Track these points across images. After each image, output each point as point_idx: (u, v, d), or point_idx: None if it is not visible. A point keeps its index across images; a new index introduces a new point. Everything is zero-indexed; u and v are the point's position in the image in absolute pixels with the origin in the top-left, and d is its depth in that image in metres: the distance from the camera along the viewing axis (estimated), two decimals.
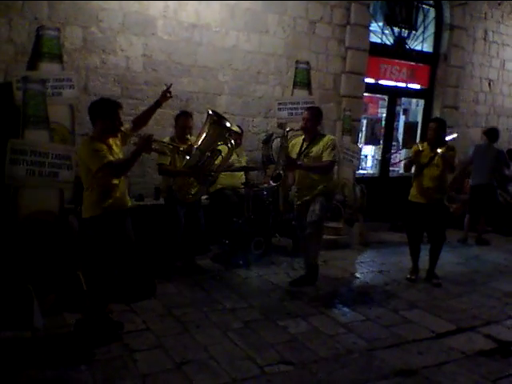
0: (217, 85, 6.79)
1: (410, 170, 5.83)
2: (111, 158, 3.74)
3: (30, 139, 4.52)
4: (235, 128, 5.24)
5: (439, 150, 5.34)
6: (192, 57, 6.54)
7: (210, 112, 4.92)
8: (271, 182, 5.13)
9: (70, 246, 4.75)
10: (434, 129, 5.53)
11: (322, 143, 5.04)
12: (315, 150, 5.05)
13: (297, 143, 5.23)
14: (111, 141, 3.85)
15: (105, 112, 3.79)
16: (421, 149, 5.55)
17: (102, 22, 5.88)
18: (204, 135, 4.93)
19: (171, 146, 4.51)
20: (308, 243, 5.21)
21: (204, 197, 6.33)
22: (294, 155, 5.11)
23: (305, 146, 5.12)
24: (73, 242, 4.84)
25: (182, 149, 4.68)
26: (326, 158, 5.00)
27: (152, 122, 6.23)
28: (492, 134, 7.75)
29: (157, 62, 6.30)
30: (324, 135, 5.18)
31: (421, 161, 5.55)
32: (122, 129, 3.90)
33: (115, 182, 3.86)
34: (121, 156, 3.91)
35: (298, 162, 5.02)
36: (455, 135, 6.12)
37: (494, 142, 7.76)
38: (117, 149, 3.89)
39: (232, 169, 6.12)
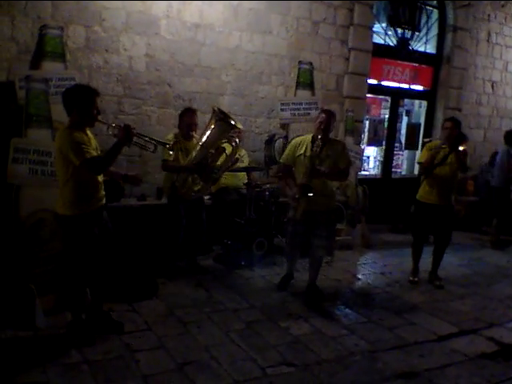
0: (220, 85, 6.78)
1: (429, 170, 5.49)
2: (94, 152, 3.62)
3: (32, 138, 4.51)
4: (240, 125, 5.23)
5: (461, 148, 5.28)
6: (195, 57, 6.52)
7: (216, 109, 4.92)
8: (299, 195, 4.76)
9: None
10: (450, 127, 5.42)
11: (336, 148, 4.88)
12: (330, 154, 4.81)
13: (303, 143, 4.96)
14: (88, 130, 3.72)
15: (82, 101, 3.60)
16: (438, 147, 5.40)
17: (105, 21, 5.87)
18: (209, 132, 4.95)
19: (154, 142, 4.10)
20: (316, 264, 5.15)
21: (206, 197, 6.33)
22: (299, 155, 4.92)
23: (317, 148, 4.78)
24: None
25: (167, 146, 4.54)
26: (343, 164, 4.89)
27: (154, 121, 6.31)
28: (507, 136, 7.81)
29: (160, 61, 6.29)
30: (335, 139, 5.02)
31: (434, 160, 5.43)
32: (99, 118, 3.75)
33: (99, 179, 3.79)
34: (95, 144, 3.77)
35: (322, 169, 4.75)
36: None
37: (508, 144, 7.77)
38: (93, 138, 3.77)
39: (235, 169, 6.12)
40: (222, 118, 4.90)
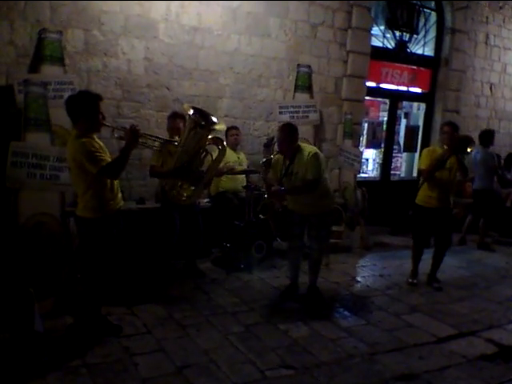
0: (218, 88, 6.79)
1: (432, 176, 5.44)
2: (108, 158, 3.68)
3: (31, 142, 4.52)
4: (219, 126, 5.01)
5: (469, 150, 5.33)
6: (193, 60, 6.53)
7: (191, 111, 4.73)
8: (260, 215, 5.02)
9: (71, 249, 4.74)
10: (449, 132, 5.44)
11: (304, 161, 4.67)
12: (299, 169, 4.69)
13: (279, 160, 4.90)
14: (94, 135, 3.76)
15: (88, 108, 3.64)
16: (444, 155, 5.36)
17: (104, 25, 5.88)
18: (186, 135, 4.82)
19: (160, 140, 4.20)
20: (313, 266, 5.13)
21: (205, 200, 6.34)
22: (277, 174, 4.89)
23: (287, 164, 4.79)
24: (73, 245, 4.84)
25: (176, 143, 4.49)
26: (310, 176, 4.63)
27: (153, 125, 6.31)
28: (482, 137, 7.70)
29: (158, 65, 6.30)
30: (302, 149, 4.75)
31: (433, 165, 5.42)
32: (105, 122, 3.79)
33: (116, 181, 3.85)
34: (104, 148, 3.83)
35: (282, 188, 4.70)
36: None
37: (487, 146, 7.64)
38: (100, 142, 3.81)
39: (233, 172, 6.12)
40: (196, 121, 4.63)
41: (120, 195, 3.97)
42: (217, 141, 4.94)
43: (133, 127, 3.70)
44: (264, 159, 5.00)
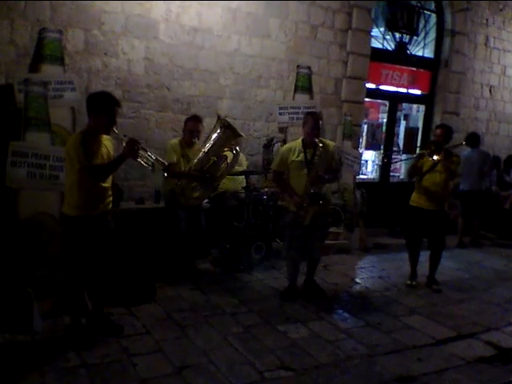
0: (218, 88, 6.79)
1: (414, 176, 5.70)
2: (98, 160, 3.64)
3: (31, 141, 4.51)
4: (242, 133, 5.23)
5: (435, 157, 5.33)
6: (194, 60, 6.53)
7: (221, 116, 4.91)
8: (307, 203, 4.68)
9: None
10: (438, 135, 5.50)
11: (327, 150, 4.82)
12: (323, 158, 4.78)
13: (294, 149, 4.92)
14: (104, 136, 3.76)
15: (100, 108, 3.64)
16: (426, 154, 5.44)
17: (104, 24, 5.88)
18: (213, 139, 4.93)
19: (157, 162, 3.93)
20: (314, 264, 5.25)
21: (205, 201, 6.33)
22: (293, 161, 4.91)
23: (310, 153, 4.83)
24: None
25: (166, 164, 4.22)
26: (335, 164, 4.94)
27: (153, 125, 6.31)
28: (470, 139, 7.79)
29: (158, 65, 6.30)
30: (325, 141, 4.92)
31: (423, 166, 5.52)
32: (115, 129, 3.76)
33: (105, 185, 3.79)
34: (111, 150, 3.84)
35: (324, 176, 4.76)
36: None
37: (476, 146, 7.86)
38: (108, 143, 3.81)
39: (233, 173, 6.12)
40: (228, 126, 4.91)
41: (109, 199, 3.89)
42: (232, 146, 5.02)
43: (132, 140, 3.68)
44: (265, 141, 5.07)
